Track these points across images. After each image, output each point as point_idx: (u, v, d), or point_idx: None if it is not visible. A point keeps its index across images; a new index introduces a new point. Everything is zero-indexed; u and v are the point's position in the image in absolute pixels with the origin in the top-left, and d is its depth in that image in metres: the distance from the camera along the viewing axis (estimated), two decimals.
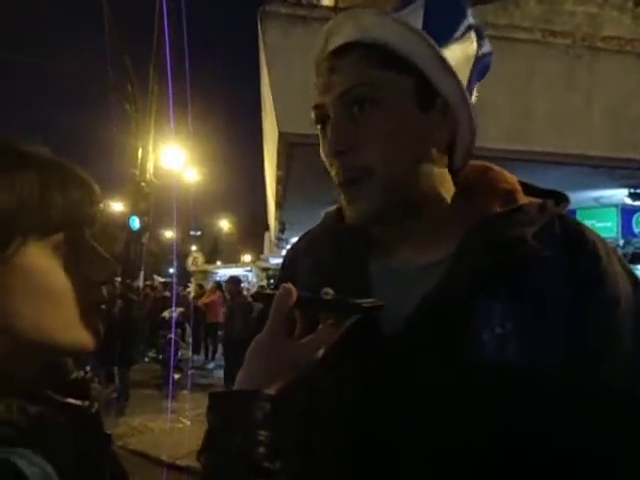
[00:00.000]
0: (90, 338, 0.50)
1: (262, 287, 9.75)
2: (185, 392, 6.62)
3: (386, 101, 0.59)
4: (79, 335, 0.49)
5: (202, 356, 9.60)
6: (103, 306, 0.52)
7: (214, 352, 9.50)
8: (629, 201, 5.18)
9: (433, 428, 0.55)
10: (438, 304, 0.58)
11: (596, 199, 5.66)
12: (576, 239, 0.60)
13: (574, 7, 4.43)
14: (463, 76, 0.61)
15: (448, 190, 0.65)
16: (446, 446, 0.54)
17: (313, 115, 0.64)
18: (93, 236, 0.53)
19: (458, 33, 0.62)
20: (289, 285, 0.55)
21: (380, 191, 0.60)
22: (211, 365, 9.14)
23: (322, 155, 0.64)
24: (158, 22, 10.22)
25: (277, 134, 3.93)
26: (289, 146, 4.04)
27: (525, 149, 3.95)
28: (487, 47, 0.65)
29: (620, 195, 5.25)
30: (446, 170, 0.65)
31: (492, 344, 0.55)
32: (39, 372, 0.49)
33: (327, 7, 3.74)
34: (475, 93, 0.65)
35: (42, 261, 0.47)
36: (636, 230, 6.04)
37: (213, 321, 9.42)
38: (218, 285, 10.39)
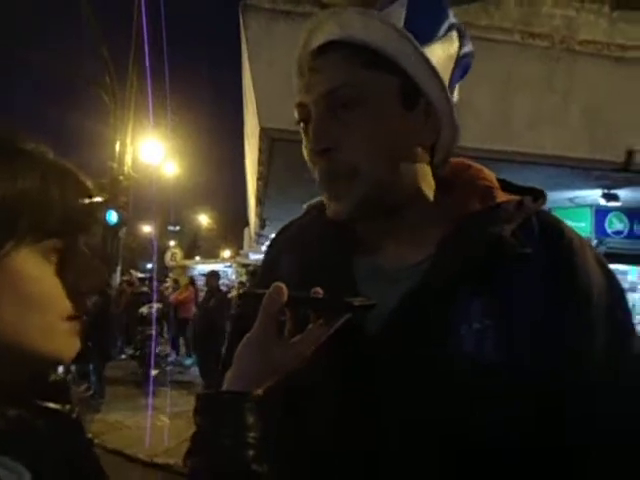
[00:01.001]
0: (70, 348, 0.48)
1: (242, 283, 9.67)
2: (163, 389, 6.55)
3: (370, 101, 0.59)
4: (59, 345, 0.47)
5: (177, 353, 9.49)
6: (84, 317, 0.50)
7: (188, 348, 9.41)
8: (603, 202, 5.30)
9: (414, 423, 0.55)
10: (419, 302, 0.58)
11: (571, 199, 5.78)
12: (553, 235, 0.61)
13: (552, 10, 4.49)
14: (445, 75, 0.62)
15: (431, 188, 0.66)
16: (428, 441, 0.55)
17: (296, 114, 0.64)
18: (86, 244, 0.51)
19: (440, 32, 0.62)
20: (280, 284, 0.54)
21: (363, 189, 0.60)
22: (188, 362, 9.05)
23: (305, 154, 0.64)
24: (137, 14, 10.04)
25: (258, 129, 3.90)
26: (270, 142, 4.01)
27: (504, 149, 4.00)
28: (468, 47, 0.66)
29: (594, 196, 5.37)
30: (429, 168, 0.66)
31: (470, 339, 0.56)
32: (18, 375, 0.47)
33: (310, 2, 3.72)
34: (456, 92, 0.66)
35: (31, 266, 0.45)
36: (609, 230, 6.19)
37: (185, 316, 9.33)
38: (191, 281, 10.28)
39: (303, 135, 0.64)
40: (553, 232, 0.61)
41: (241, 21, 3.83)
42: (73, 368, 6.13)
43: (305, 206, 0.79)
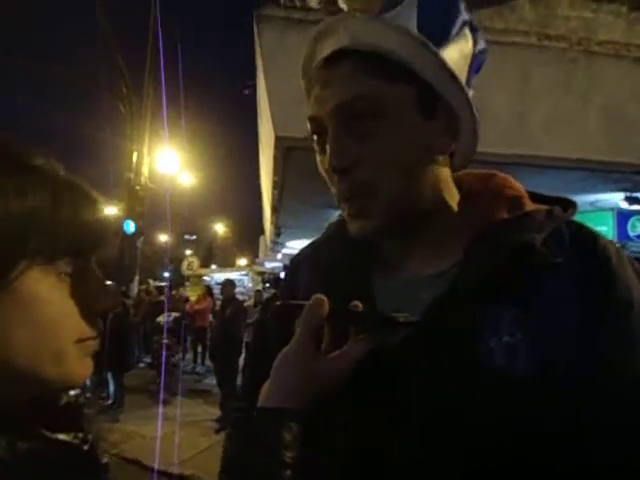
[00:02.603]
0: (81, 372, 0.46)
1: (259, 291, 9.68)
2: (179, 398, 6.56)
3: (386, 114, 0.56)
4: (71, 369, 0.45)
5: (192, 361, 9.52)
6: (93, 342, 0.48)
7: (203, 357, 9.43)
8: (625, 205, 5.19)
9: (441, 437, 0.53)
10: (445, 312, 0.55)
11: (592, 203, 5.67)
12: (586, 244, 0.58)
13: (568, 12, 4.44)
14: (461, 76, 0.59)
15: (453, 197, 0.63)
16: (453, 455, 0.52)
17: (309, 127, 0.61)
18: (114, 258, 0.49)
19: (454, 31, 0.59)
20: (321, 296, 0.53)
21: (384, 207, 0.58)
22: (202, 370, 9.06)
23: (320, 168, 0.62)
24: (153, 25, 10.22)
25: (273, 138, 3.90)
26: (285, 150, 4.01)
27: (521, 153, 3.95)
28: (482, 43, 0.63)
29: (616, 199, 5.26)
30: (450, 176, 0.63)
31: (500, 353, 0.53)
32: (29, 402, 0.45)
33: (323, 10, 3.73)
34: (471, 90, 0.63)
35: (44, 288, 0.43)
36: (631, 234, 6.06)
37: (201, 325, 9.37)
38: (209, 291, 10.33)
39: (317, 148, 0.62)
40: (585, 241, 0.58)
41: (255, 30, 3.85)
42: (88, 381, 6.18)
43: (325, 224, 0.77)
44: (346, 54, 0.57)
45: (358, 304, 0.54)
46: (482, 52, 0.63)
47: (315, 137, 0.61)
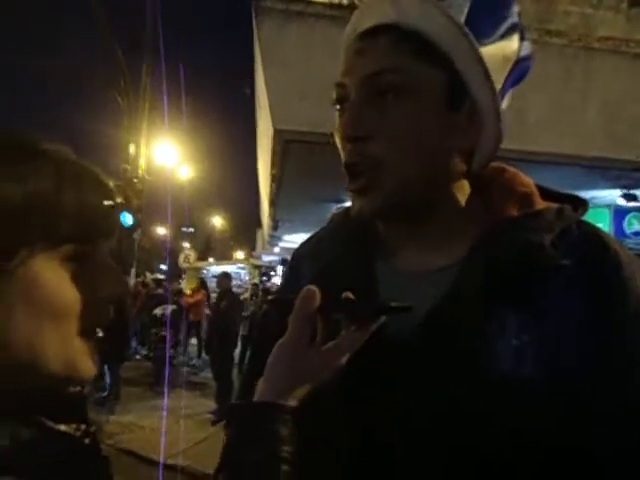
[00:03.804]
0: (87, 366, 0.45)
1: (256, 285, 9.67)
2: (176, 390, 6.57)
3: (413, 93, 0.55)
4: (76, 362, 0.44)
5: (188, 355, 9.51)
6: (100, 333, 0.47)
7: (199, 350, 9.42)
8: (622, 202, 5.20)
9: (443, 438, 0.52)
10: (450, 310, 0.54)
11: (589, 200, 5.67)
12: (596, 247, 0.56)
13: (569, 7, 4.42)
14: (498, 78, 0.57)
15: (463, 194, 0.62)
16: (456, 456, 0.51)
17: (334, 94, 0.60)
18: (111, 250, 0.48)
19: (500, 31, 0.57)
20: (312, 287, 0.52)
21: (391, 184, 0.56)
22: (198, 362, 9.07)
23: (336, 136, 0.60)
24: (151, 15, 10.13)
25: (272, 131, 3.89)
26: (284, 143, 4.00)
27: (520, 149, 3.94)
28: (527, 49, 0.61)
29: (613, 196, 5.27)
30: (464, 174, 0.61)
31: (507, 356, 0.51)
32: (33, 391, 0.44)
33: (322, 3, 3.71)
34: (507, 99, 0.62)
35: (47, 275, 0.42)
36: (628, 231, 6.07)
37: (195, 319, 9.38)
38: (203, 284, 10.32)
39: (337, 116, 0.61)
40: (595, 243, 0.56)
41: (254, 22, 3.83)
42: None
43: (324, 218, 0.76)
44: (388, 28, 0.57)
45: (349, 295, 0.53)
46: (526, 59, 0.61)
47: (338, 105, 0.60)
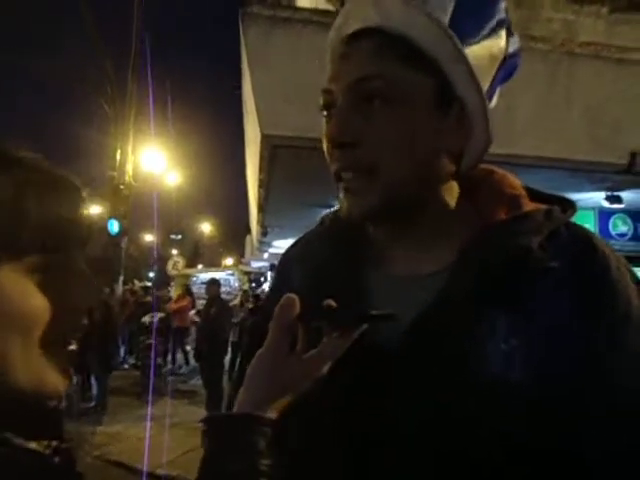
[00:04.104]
0: (55, 379, 0.43)
1: (245, 292, 9.61)
2: (165, 399, 6.50)
3: (400, 99, 0.55)
4: (43, 375, 0.43)
5: (174, 362, 9.41)
6: (73, 346, 0.46)
7: (185, 357, 9.34)
8: (606, 204, 5.26)
9: (432, 443, 0.51)
10: (437, 316, 0.54)
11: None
12: (585, 249, 0.56)
13: (551, 14, 4.49)
14: (486, 78, 0.57)
15: (452, 196, 0.62)
16: (446, 461, 0.51)
17: (321, 100, 0.60)
18: (85, 257, 0.46)
19: (487, 28, 0.57)
20: (292, 295, 0.51)
21: (380, 189, 0.56)
22: (185, 370, 8.98)
23: (323, 143, 0.60)
24: (137, 24, 10.10)
25: (259, 136, 3.88)
26: (271, 149, 3.99)
27: (505, 152, 3.98)
28: (515, 45, 0.60)
29: (597, 198, 5.34)
30: (453, 176, 0.61)
31: (496, 360, 0.51)
32: (1, 405, 0.42)
33: (309, 9, 3.72)
34: (496, 97, 0.61)
35: (10, 286, 0.40)
36: (613, 232, 6.15)
37: (180, 325, 9.29)
38: (188, 290, 10.28)
39: (324, 122, 0.60)
40: (584, 245, 0.56)
41: (241, 29, 3.82)
42: (75, 380, 6.08)
43: (313, 223, 0.75)
44: (371, 32, 0.56)
45: (331, 302, 0.53)
46: (513, 56, 0.60)
47: (325, 112, 0.60)
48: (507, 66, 0.60)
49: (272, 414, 0.48)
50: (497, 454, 0.49)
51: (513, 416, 0.50)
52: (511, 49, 0.60)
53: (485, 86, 0.57)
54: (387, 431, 0.53)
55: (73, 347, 0.46)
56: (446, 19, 0.55)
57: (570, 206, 0.61)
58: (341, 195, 0.60)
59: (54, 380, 0.44)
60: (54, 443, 0.45)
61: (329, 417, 0.56)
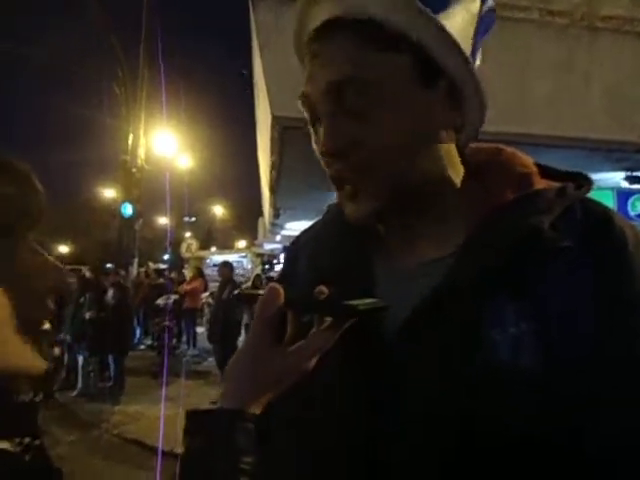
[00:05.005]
0: (32, 360, 0.43)
1: (258, 275, 9.63)
2: (180, 379, 6.62)
3: (382, 88, 0.52)
4: (13, 356, 0.42)
5: (188, 344, 9.50)
6: (47, 325, 0.45)
7: (194, 339, 9.41)
8: (626, 184, 5.15)
9: (438, 433, 0.49)
10: (444, 300, 0.52)
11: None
12: (600, 226, 0.53)
13: None
14: (467, 42, 0.54)
15: (457, 174, 0.59)
16: (453, 452, 0.49)
17: (300, 104, 0.57)
18: (36, 238, 0.45)
19: None
20: (275, 285, 0.49)
21: (382, 189, 0.54)
22: (194, 352, 9.06)
23: (315, 150, 0.57)
24: (148, 3, 10.02)
25: (270, 118, 3.84)
26: (283, 130, 3.95)
27: (521, 131, 3.89)
28: (491, 1, 0.58)
29: (617, 178, 5.22)
30: (456, 152, 0.59)
31: (505, 345, 0.49)
32: None
33: None
34: (479, 57, 0.59)
35: None
36: (632, 213, 6.02)
37: (191, 306, 9.35)
38: (199, 272, 10.34)
39: (310, 127, 0.58)
40: (600, 222, 0.53)
41: (251, 8, 3.76)
42: (80, 359, 6.20)
43: (325, 205, 0.73)
44: (338, 23, 0.53)
45: (323, 289, 0.50)
46: (490, 12, 0.58)
47: (308, 116, 0.57)
48: (484, 23, 0.57)
49: (255, 409, 0.46)
50: (503, 444, 0.47)
51: (520, 404, 0.48)
52: (488, 4, 0.58)
53: (467, 49, 0.54)
54: (390, 424, 0.52)
55: (46, 327, 0.45)
56: None
57: (586, 182, 0.58)
58: (343, 202, 0.58)
59: (32, 362, 0.43)
60: (26, 440, 0.44)
61: (325, 411, 0.55)
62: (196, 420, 0.47)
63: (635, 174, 5.03)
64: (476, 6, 0.56)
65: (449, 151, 0.58)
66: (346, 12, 0.53)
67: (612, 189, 5.85)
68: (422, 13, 0.51)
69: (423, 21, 0.51)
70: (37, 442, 0.45)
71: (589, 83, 3.97)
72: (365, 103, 0.52)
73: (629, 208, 6.01)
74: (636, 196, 5.97)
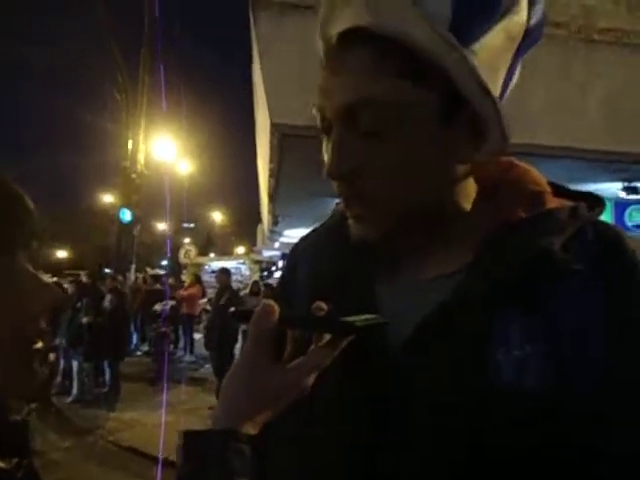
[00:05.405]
0: (24, 379, 0.43)
1: (256, 282, 9.60)
2: (177, 386, 6.58)
3: (404, 124, 0.49)
4: (8, 377, 0.42)
5: (185, 350, 9.47)
6: (40, 343, 0.44)
7: (191, 345, 9.38)
8: (623, 195, 5.17)
9: (440, 452, 0.49)
10: (454, 312, 0.51)
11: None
12: (612, 249, 0.52)
13: None
14: (502, 65, 0.52)
15: (468, 195, 0.57)
16: (462, 464, 0.48)
17: (314, 111, 0.55)
18: (31, 258, 0.44)
19: (501, 9, 0.49)
20: (269, 302, 0.48)
21: (386, 217, 0.52)
22: (191, 358, 9.02)
23: (324, 172, 0.55)
24: (149, 10, 10.08)
25: (269, 125, 3.86)
26: (282, 137, 3.97)
27: (519, 142, 3.90)
28: (539, 13, 0.53)
29: (614, 189, 5.24)
30: (471, 180, 0.57)
31: (508, 367, 0.48)
32: None
33: None
34: (517, 72, 0.55)
35: None
36: (629, 224, 6.04)
37: (189, 313, 9.34)
38: (197, 278, 10.33)
39: (323, 140, 0.56)
40: (611, 246, 0.52)
41: (251, 16, 3.79)
42: (74, 365, 6.17)
43: (324, 213, 0.72)
44: (363, 36, 0.48)
45: (321, 306, 0.49)
46: (537, 26, 0.53)
47: (320, 124, 0.55)
48: (528, 40, 0.54)
49: (251, 429, 0.45)
50: (512, 457, 0.47)
51: (527, 421, 0.47)
52: (534, 20, 0.53)
53: (500, 79, 0.53)
54: (397, 435, 0.51)
55: (39, 346, 0.44)
56: (447, 10, 0.47)
57: (598, 203, 0.56)
58: (350, 222, 0.56)
59: (20, 381, 0.43)
60: (15, 459, 0.43)
61: (325, 427, 0.54)
62: (189, 441, 0.45)
63: (633, 185, 5.05)
64: (521, 23, 0.52)
65: (462, 178, 0.55)
66: (374, 25, 0.48)
67: (610, 200, 5.87)
68: (457, 49, 0.47)
69: (455, 54, 0.47)
70: (27, 460, 0.45)
71: (586, 95, 3.99)
72: (380, 126, 0.49)
73: (626, 219, 6.03)
74: (633, 207, 5.99)
